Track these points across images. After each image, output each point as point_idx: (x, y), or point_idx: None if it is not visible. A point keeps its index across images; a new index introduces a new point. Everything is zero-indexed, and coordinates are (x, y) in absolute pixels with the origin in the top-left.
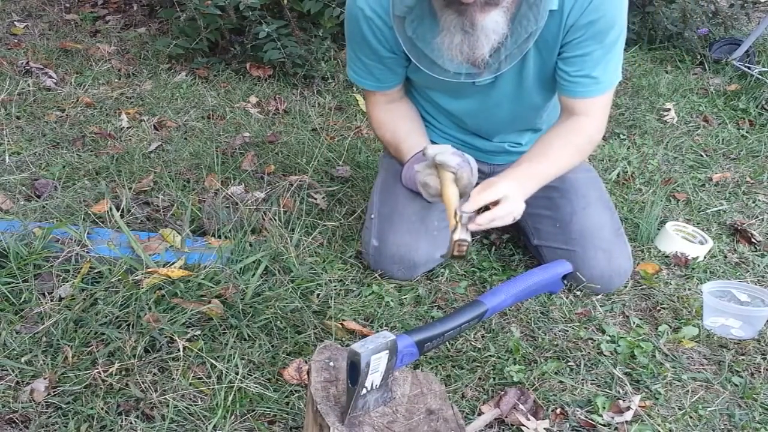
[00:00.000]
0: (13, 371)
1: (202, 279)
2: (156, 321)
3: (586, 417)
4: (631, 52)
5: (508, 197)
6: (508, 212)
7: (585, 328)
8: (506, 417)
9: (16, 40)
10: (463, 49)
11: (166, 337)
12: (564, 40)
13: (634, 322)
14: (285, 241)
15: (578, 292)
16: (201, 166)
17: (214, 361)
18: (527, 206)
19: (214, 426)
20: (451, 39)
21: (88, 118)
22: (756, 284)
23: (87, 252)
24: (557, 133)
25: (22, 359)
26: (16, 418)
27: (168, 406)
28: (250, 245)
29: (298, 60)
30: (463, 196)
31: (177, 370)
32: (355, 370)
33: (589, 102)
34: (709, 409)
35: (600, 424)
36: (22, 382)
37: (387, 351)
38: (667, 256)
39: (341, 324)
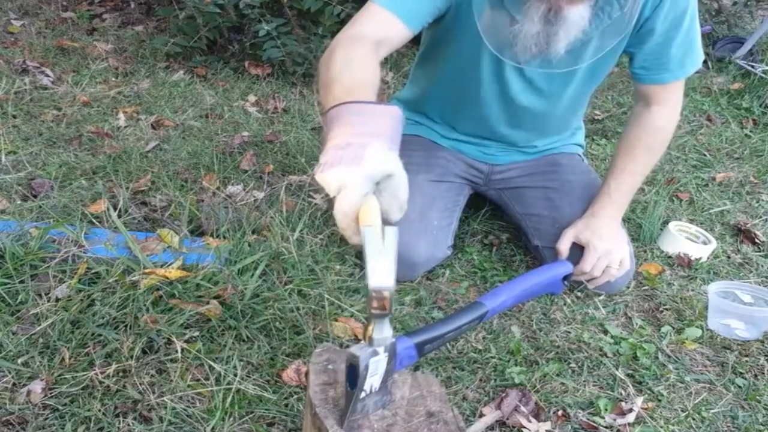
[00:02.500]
0: (9, 373)
1: (201, 280)
2: (154, 322)
3: (588, 419)
4: None
5: (591, 244)
6: (604, 260)
7: (587, 329)
8: (507, 419)
9: (12, 39)
10: (540, 41)
11: (163, 338)
12: (639, 31)
13: (636, 323)
14: (285, 240)
15: (580, 293)
16: (199, 165)
17: (212, 363)
18: (527, 207)
19: (213, 428)
20: (530, 27)
21: (85, 117)
22: (760, 285)
23: (84, 252)
24: (633, 142)
25: (19, 360)
26: (13, 420)
27: (166, 407)
28: (249, 245)
29: (297, 58)
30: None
31: (175, 371)
32: (353, 373)
33: (667, 87)
34: (712, 410)
35: (602, 426)
36: (19, 383)
37: (386, 353)
38: (670, 257)
39: (338, 320)
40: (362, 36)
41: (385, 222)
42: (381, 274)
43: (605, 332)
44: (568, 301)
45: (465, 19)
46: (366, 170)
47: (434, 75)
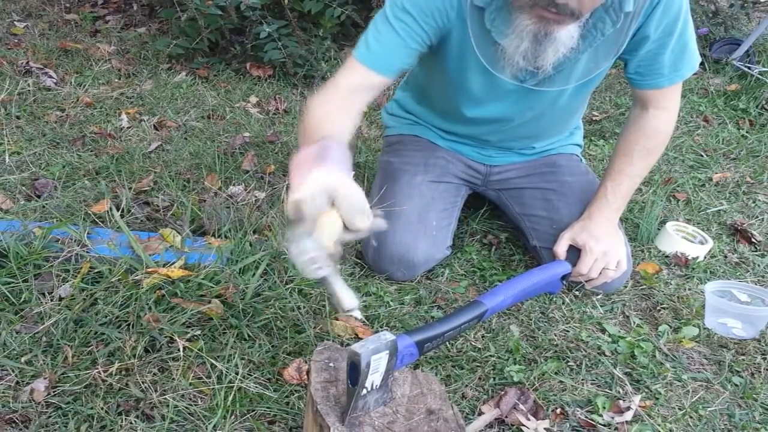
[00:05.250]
0: (13, 371)
1: (202, 279)
2: (156, 321)
3: (586, 417)
4: None
5: (587, 247)
6: (601, 262)
7: (585, 328)
8: (506, 417)
9: (16, 40)
10: (527, 55)
11: (166, 337)
12: (633, 38)
13: (634, 322)
14: (286, 240)
15: (578, 293)
16: (201, 166)
17: (214, 361)
18: (526, 207)
19: (214, 426)
20: (518, 44)
21: (88, 118)
22: (756, 284)
23: (87, 252)
24: (630, 145)
25: (22, 359)
26: (16, 418)
27: (168, 406)
28: (251, 245)
29: (298, 60)
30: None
31: (177, 370)
32: (355, 371)
33: (664, 91)
34: (709, 409)
35: (600, 424)
36: (22, 382)
37: (387, 351)
38: (667, 256)
39: (339, 319)
40: (336, 85)
41: (353, 229)
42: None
43: (603, 331)
44: (567, 300)
45: (445, 51)
46: (310, 185)
47: (427, 90)
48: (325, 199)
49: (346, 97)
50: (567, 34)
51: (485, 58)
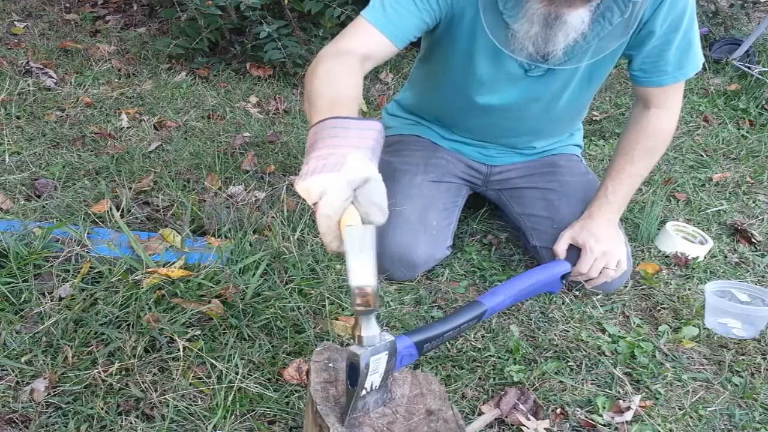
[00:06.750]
0: (13, 371)
1: (202, 279)
2: (156, 321)
3: (587, 417)
4: None
5: (586, 247)
6: (601, 261)
7: (585, 328)
8: (506, 417)
9: (16, 40)
10: (537, 41)
11: (166, 337)
12: (638, 34)
13: (634, 322)
14: (286, 240)
15: (578, 293)
16: (201, 165)
17: (214, 361)
18: (526, 207)
19: (214, 426)
20: (529, 28)
21: (88, 118)
22: (756, 284)
23: (87, 252)
24: (632, 144)
25: (22, 359)
26: (16, 418)
27: (168, 406)
28: (250, 245)
29: (298, 60)
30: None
31: (177, 370)
32: (354, 372)
33: (667, 90)
34: (709, 409)
35: (600, 424)
36: (22, 382)
37: (386, 352)
38: (667, 256)
39: (339, 319)
40: (348, 50)
41: (367, 222)
42: (362, 271)
43: (603, 331)
44: (567, 300)
45: (456, 32)
46: (347, 176)
47: (431, 80)
48: (352, 196)
49: (357, 63)
50: (578, 18)
51: (497, 40)
